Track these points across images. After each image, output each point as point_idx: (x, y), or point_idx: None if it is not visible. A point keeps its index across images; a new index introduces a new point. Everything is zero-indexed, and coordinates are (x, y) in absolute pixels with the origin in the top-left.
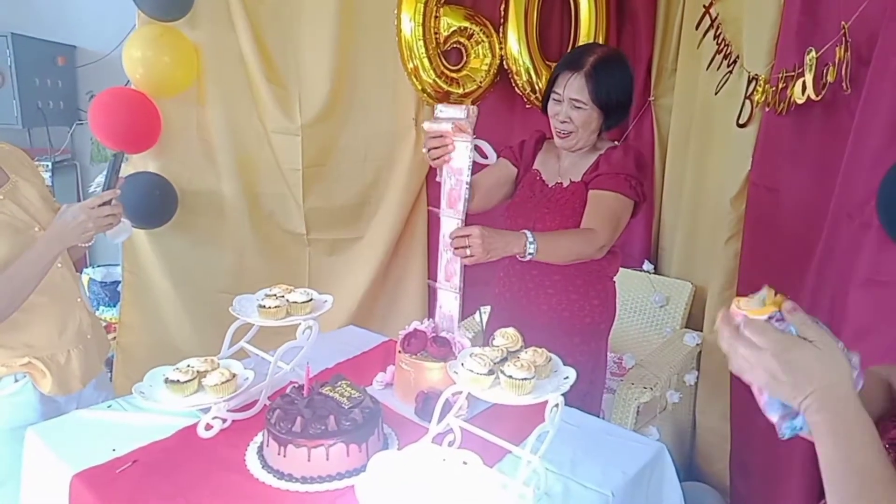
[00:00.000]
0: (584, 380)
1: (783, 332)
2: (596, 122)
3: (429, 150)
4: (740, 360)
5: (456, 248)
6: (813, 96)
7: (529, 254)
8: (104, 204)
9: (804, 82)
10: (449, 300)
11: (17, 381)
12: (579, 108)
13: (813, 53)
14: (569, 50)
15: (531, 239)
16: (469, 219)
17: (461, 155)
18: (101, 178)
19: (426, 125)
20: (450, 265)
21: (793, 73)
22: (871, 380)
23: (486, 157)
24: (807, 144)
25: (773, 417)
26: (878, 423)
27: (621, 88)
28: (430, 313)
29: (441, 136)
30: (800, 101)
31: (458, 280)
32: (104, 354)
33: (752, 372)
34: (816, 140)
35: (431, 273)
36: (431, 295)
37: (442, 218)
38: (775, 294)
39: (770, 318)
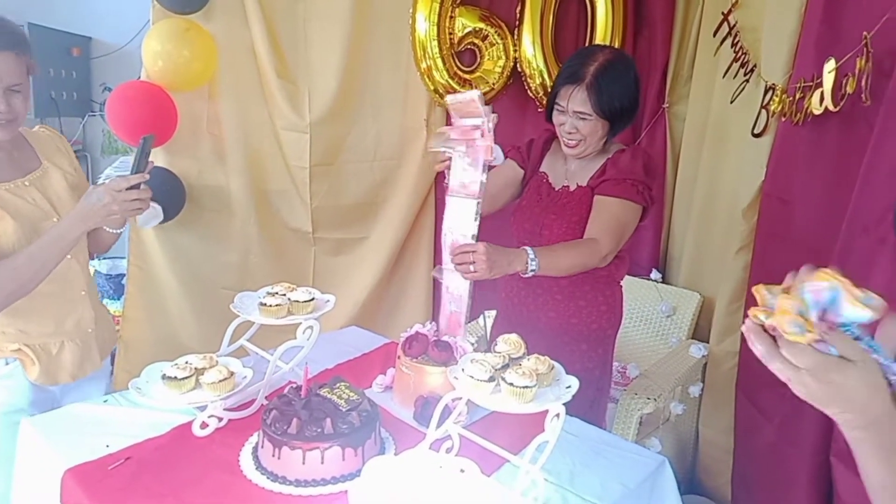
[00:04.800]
0: (592, 387)
1: (825, 353)
2: (602, 131)
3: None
4: (776, 371)
5: (459, 264)
6: (831, 107)
7: (532, 270)
8: (132, 188)
9: (822, 93)
10: (457, 281)
11: (7, 364)
12: (584, 119)
13: (832, 63)
14: None
15: (532, 256)
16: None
17: (460, 284)
18: (109, 171)
19: (434, 145)
20: (454, 317)
21: (811, 84)
22: None
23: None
24: (823, 156)
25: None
26: None
27: (625, 95)
28: (434, 316)
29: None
30: (817, 112)
31: (463, 332)
32: (107, 350)
33: (790, 384)
34: (833, 152)
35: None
36: (436, 294)
37: (445, 271)
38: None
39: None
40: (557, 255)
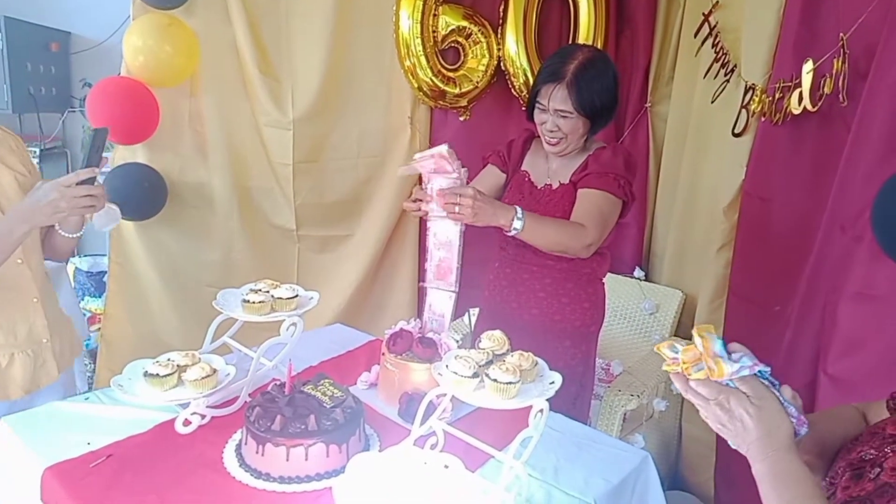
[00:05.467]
0: (575, 383)
1: (723, 385)
2: (584, 128)
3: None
4: (694, 403)
5: (446, 204)
6: (809, 107)
7: (515, 228)
8: (82, 183)
9: (801, 93)
10: (441, 299)
11: None
12: (565, 117)
13: (810, 64)
14: None
15: (520, 215)
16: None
17: (449, 229)
18: None
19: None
20: (444, 263)
21: (790, 84)
22: (847, 407)
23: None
24: (801, 155)
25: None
26: (843, 445)
27: (605, 92)
28: (419, 313)
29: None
30: (796, 112)
31: (454, 278)
32: (67, 362)
33: (708, 419)
34: (811, 151)
35: (421, 273)
36: (420, 295)
37: (432, 217)
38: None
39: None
40: (545, 226)
